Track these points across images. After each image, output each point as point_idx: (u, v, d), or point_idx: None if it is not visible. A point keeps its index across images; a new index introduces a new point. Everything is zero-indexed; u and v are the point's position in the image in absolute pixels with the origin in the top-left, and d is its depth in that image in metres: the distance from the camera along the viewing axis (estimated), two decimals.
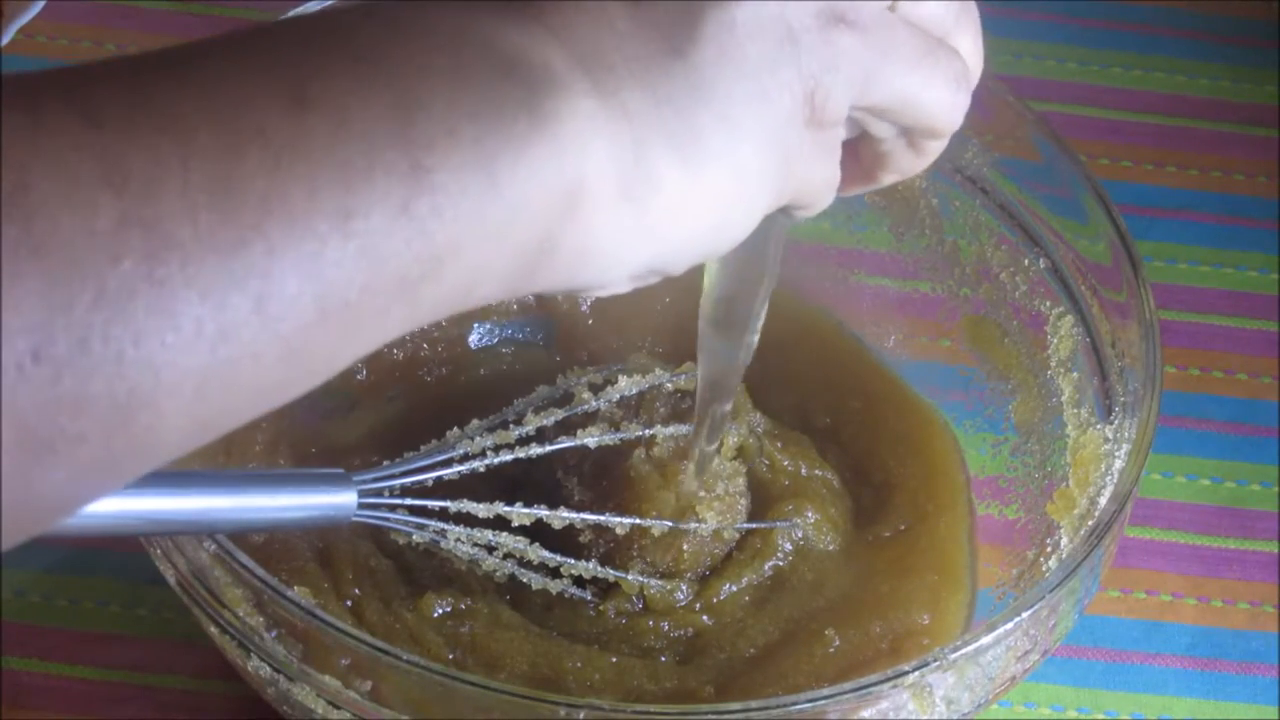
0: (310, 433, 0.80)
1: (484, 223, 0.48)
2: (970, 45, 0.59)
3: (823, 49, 0.53)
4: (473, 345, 0.85)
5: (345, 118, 0.46)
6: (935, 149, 0.60)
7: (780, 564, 0.77)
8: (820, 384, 0.84)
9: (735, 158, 0.52)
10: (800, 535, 0.78)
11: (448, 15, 0.49)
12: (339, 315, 0.46)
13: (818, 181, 0.56)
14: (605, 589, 0.75)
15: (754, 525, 0.77)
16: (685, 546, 0.75)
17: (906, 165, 0.61)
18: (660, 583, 0.75)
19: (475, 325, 0.85)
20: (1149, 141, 1.01)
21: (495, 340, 0.86)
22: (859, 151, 0.60)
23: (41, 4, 1.02)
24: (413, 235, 0.46)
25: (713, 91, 0.51)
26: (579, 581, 0.75)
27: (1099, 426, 0.75)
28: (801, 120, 0.54)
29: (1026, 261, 0.81)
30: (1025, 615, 0.66)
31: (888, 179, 0.61)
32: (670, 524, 0.74)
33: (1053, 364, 0.79)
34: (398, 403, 0.82)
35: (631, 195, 0.50)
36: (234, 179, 0.44)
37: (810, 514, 0.78)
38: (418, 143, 0.46)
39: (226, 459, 0.78)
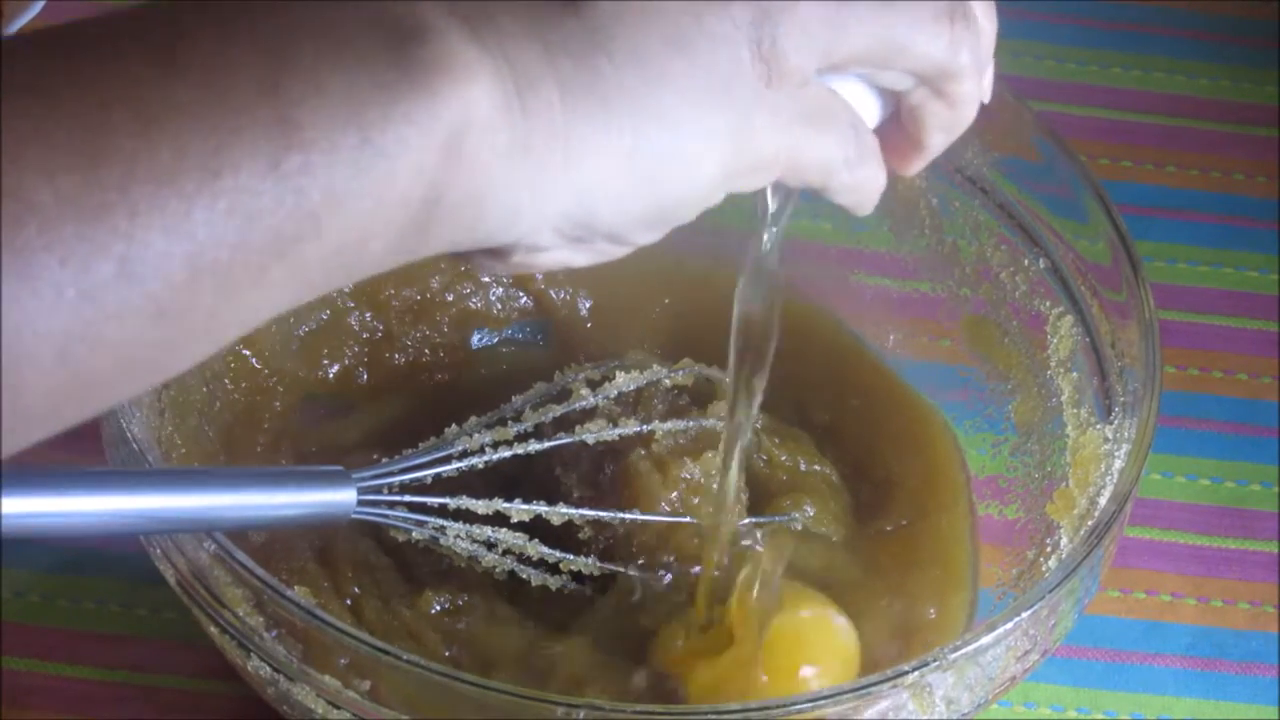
0: (310, 432, 0.80)
1: (361, 177, 0.47)
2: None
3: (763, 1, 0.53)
4: (473, 346, 0.85)
5: (214, 77, 0.46)
6: (965, 94, 0.59)
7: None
8: (819, 382, 0.84)
9: (655, 107, 0.51)
10: (800, 529, 0.78)
11: None
12: (212, 275, 0.46)
13: (814, 152, 0.56)
14: (604, 585, 0.75)
15: (753, 520, 0.77)
16: (684, 543, 0.75)
17: (945, 119, 0.60)
18: (659, 575, 0.75)
19: (476, 330, 0.85)
20: (1149, 141, 1.01)
21: (495, 341, 0.86)
22: (900, 117, 0.60)
23: (41, 4, 1.02)
24: (285, 192, 0.46)
25: (614, 41, 0.51)
26: (578, 577, 0.75)
27: (1099, 426, 0.75)
28: (755, 77, 0.53)
29: (1026, 261, 0.81)
30: (1025, 615, 0.66)
31: (935, 139, 0.60)
32: (669, 519, 0.74)
33: (1052, 364, 0.79)
34: (398, 402, 0.82)
35: (527, 144, 0.50)
36: (99, 142, 0.44)
37: (809, 507, 0.78)
38: (287, 99, 0.46)
39: (227, 458, 0.78)
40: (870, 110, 0.59)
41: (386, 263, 0.51)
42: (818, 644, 0.73)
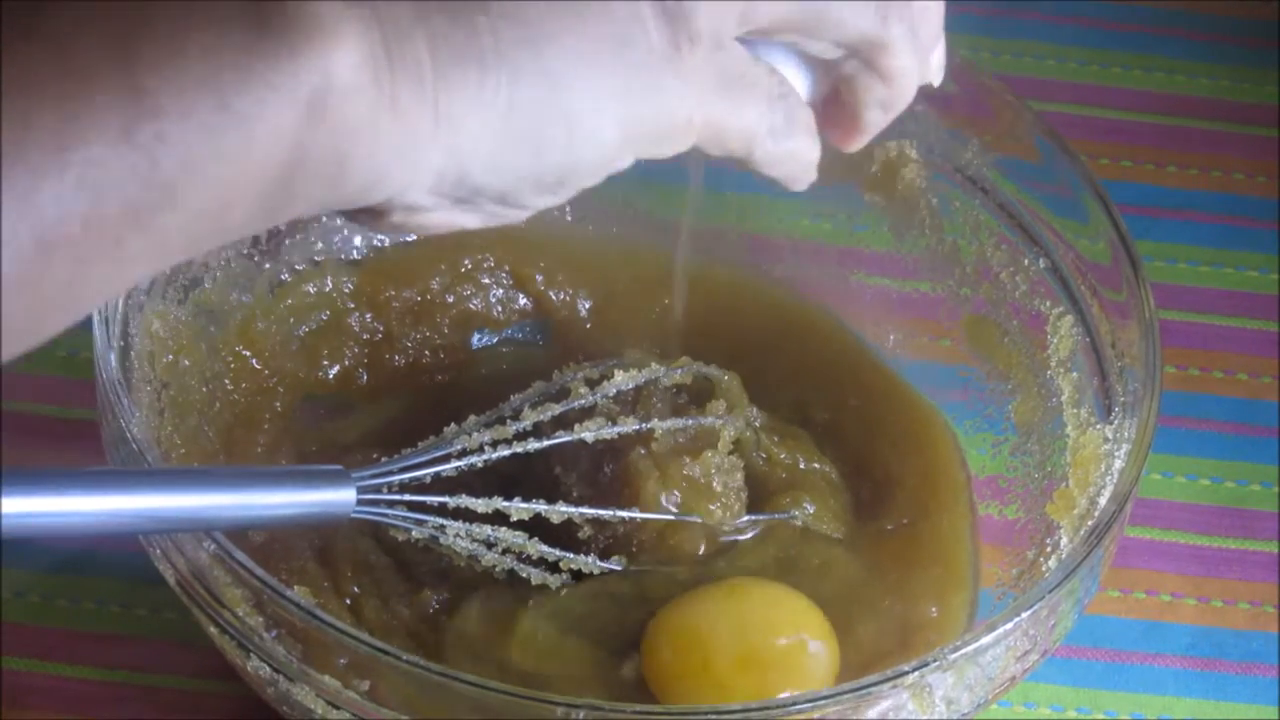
0: (310, 432, 0.80)
1: (218, 142, 0.47)
2: None
3: None
4: (473, 346, 0.85)
5: (67, 46, 0.45)
6: (900, 69, 0.58)
7: (782, 555, 0.77)
8: (819, 381, 0.84)
9: (536, 66, 0.51)
10: (800, 525, 0.78)
11: None
12: (64, 249, 0.45)
13: (733, 120, 0.55)
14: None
15: (753, 518, 0.77)
16: (684, 541, 0.75)
17: (881, 95, 0.59)
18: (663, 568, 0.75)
19: (476, 331, 0.85)
20: (1149, 141, 1.01)
21: (494, 341, 0.86)
22: (840, 92, 0.59)
23: None
24: (137, 162, 0.46)
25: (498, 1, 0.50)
26: (578, 576, 0.75)
27: (1099, 426, 0.75)
28: (660, 39, 0.52)
29: (1026, 261, 0.81)
30: (1025, 615, 0.66)
31: (871, 116, 0.59)
32: (669, 517, 0.74)
33: (1053, 364, 0.79)
34: (397, 402, 0.83)
35: (394, 103, 0.49)
36: None
37: (809, 505, 0.78)
38: (141, 66, 0.46)
39: (227, 458, 0.78)
40: (800, 81, 0.58)
41: (252, 226, 0.50)
42: (793, 673, 0.72)
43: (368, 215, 0.53)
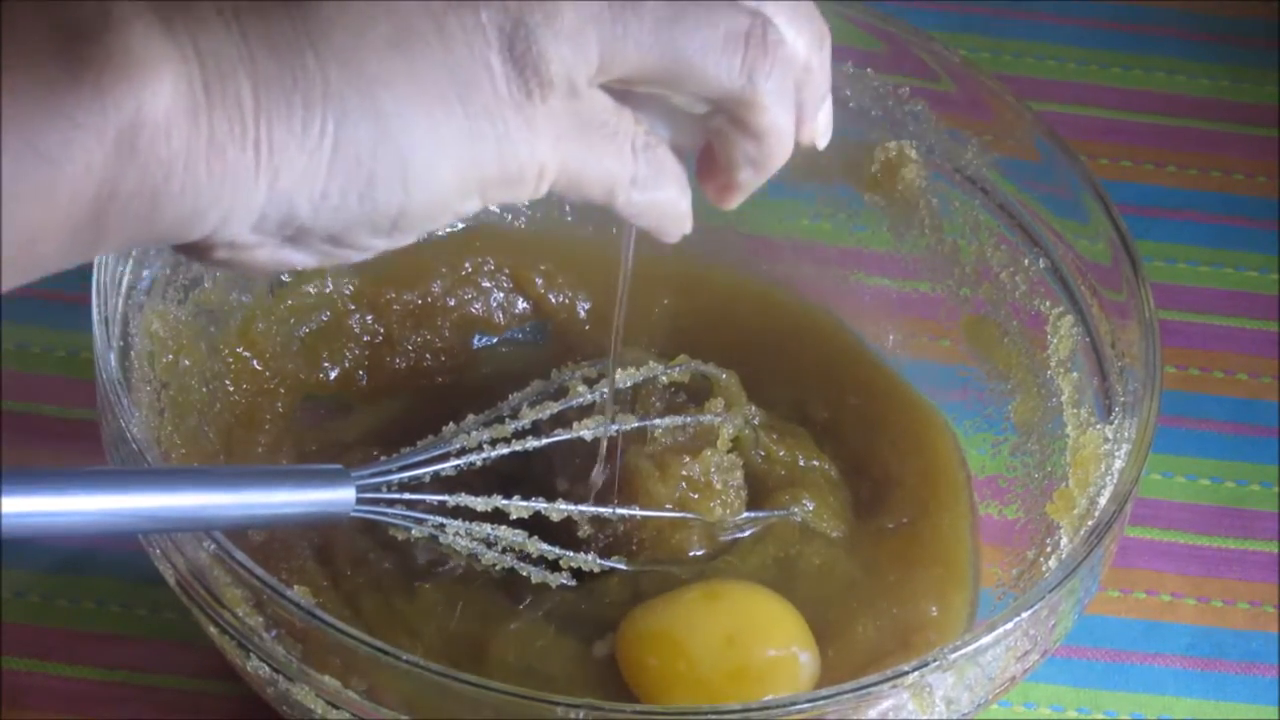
0: (310, 431, 0.80)
1: (24, 181, 0.47)
2: (787, 16, 0.56)
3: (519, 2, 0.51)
4: (473, 346, 0.85)
5: None
6: (768, 127, 0.57)
7: (783, 554, 0.77)
8: (818, 380, 0.84)
9: (367, 108, 0.50)
10: (799, 522, 0.78)
11: None
12: None
13: (591, 169, 0.54)
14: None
15: (753, 515, 0.77)
16: (683, 539, 0.75)
17: (751, 153, 0.57)
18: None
19: (476, 333, 0.85)
20: (1149, 141, 1.01)
21: (494, 341, 0.86)
22: (712, 147, 0.58)
23: None
24: None
25: (326, 37, 0.50)
26: (578, 574, 0.75)
27: (1099, 426, 0.75)
28: (508, 84, 0.51)
29: (1026, 261, 0.81)
30: (1025, 615, 0.66)
31: (742, 174, 0.58)
32: (668, 514, 0.74)
33: (1053, 364, 0.79)
34: (397, 402, 0.83)
35: (211, 141, 0.49)
36: None
37: (808, 502, 0.78)
38: None
39: (228, 458, 0.78)
40: (674, 132, 0.57)
41: (63, 261, 0.49)
42: (770, 679, 0.72)
43: (193, 250, 0.52)
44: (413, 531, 0.73)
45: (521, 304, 0.86)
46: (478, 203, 0.53)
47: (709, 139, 0.58)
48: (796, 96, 0.57)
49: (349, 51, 0.50)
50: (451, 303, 0.84)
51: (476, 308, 0.85)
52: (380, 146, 0.51)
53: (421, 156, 0.51)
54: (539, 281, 0.86)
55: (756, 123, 0.57)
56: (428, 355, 0.84)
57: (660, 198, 0.56)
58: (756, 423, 0.79)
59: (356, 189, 0.51)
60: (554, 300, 0.86)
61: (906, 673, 0.64)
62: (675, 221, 0.58)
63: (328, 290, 0.82)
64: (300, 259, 0.53)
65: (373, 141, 0.50)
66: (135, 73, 0.48)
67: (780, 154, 0.58)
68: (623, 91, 0.55)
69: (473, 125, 0.51)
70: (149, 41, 0.48)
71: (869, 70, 0.83)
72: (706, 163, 0.58)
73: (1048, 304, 0.79)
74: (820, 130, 0.60)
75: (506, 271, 0.85)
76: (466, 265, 0.85)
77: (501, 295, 0.86)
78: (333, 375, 0.82)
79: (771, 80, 0.56)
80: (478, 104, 0.51)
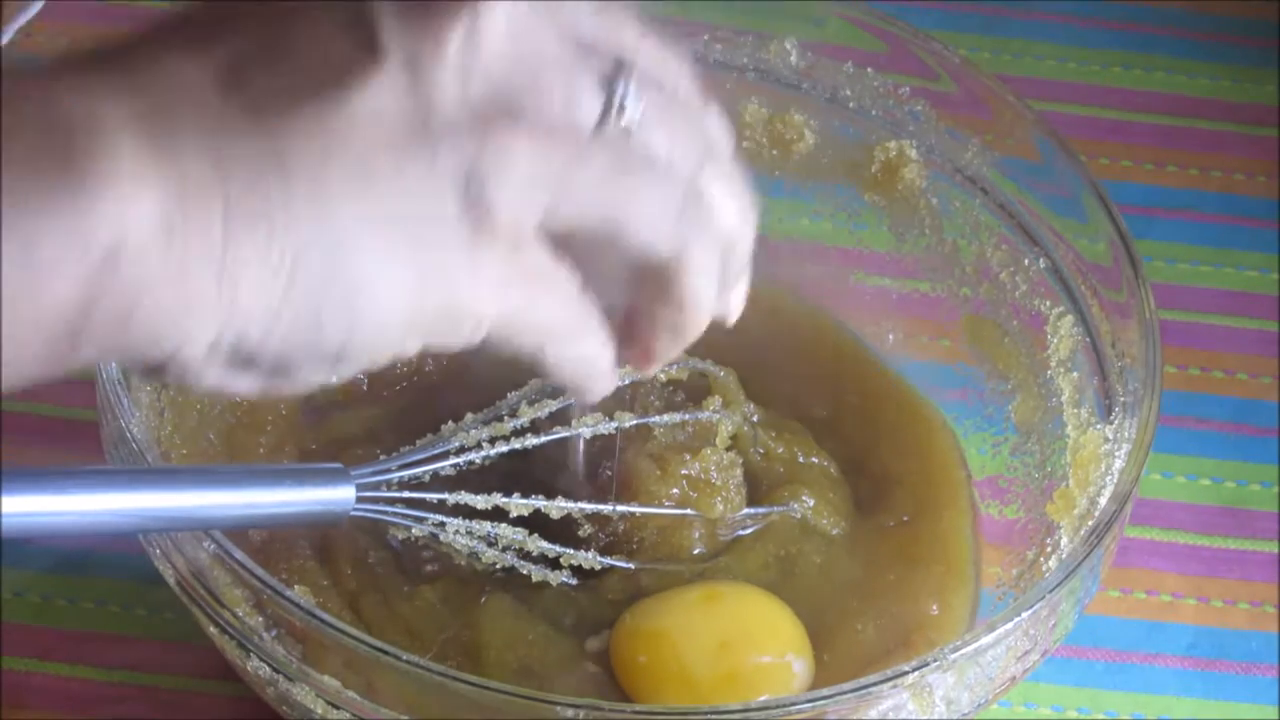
0: (311, 430, 0.80)
1: (16, 279, 0.47)
2: (720, 190, 0.57)
3: (479, 147, 0.51)
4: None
5: None
6: (689, 297, 0.57)
7: (783, 552, 0.77)
8: (818, 380, 0.84)
9: (326, 241, 0.50)
10: (799, 518, 0.78)
11: (27, 77, 0.48)
12: None
13: (526, 318, 0.54)
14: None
15: (752, 512, 0.77)
16: (684, 537, 0.75)
17: (670, 319, 0.58)
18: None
19: None
20: (1149, 141, 1.01)
21: None
22: (636, 311, 0.58)
23: (41, 4, 1.02)
24: None
25: (294, 165, 0.50)
26: (579, 573, 0.75)
27: (1099, 426, 0.75)
28: (461, 228, 0.52)
29: (1026, 261, 0.81)
30: (1025, 615, 0.66)
31: (661, 341, 0.59)
32: (668, 510, 0.74)
33: (1053, 364, 0.79)
34: (398, 401, 0.82)
35: (182, 263, 0.49)
36: None
37: (808, 498, 0.78)
38: None
39: (230, 459, 0.78)
40: (600, 291, 0.57)
41: (34, 371, 0.49)
42: (764, 683, 0.72)
43: (145, 370, 0.52)
44: (413, 530, 0.73)
45: None
46: (417, 345, 0.53)
47: (632, 302, 0.58)
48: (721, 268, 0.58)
49: (312, 184, 0.50)
50: None
51: None
52: (332, 281, 0.51)
53: (370, 294, 0.51)
54: None
55: (682, 290, 0.57)
56: (429, 358, 0.84)
57: (588, 354, 0.57)
58: (755, 420, 0.79)
59: (307, 321, 0.51)
60: None
61: (906, 673, 0.64)
62: (598, 378, 0.58)
63: None
64: (244, 385, 0.53)
65: (325, 276, 0.50)
66: (126, 190, 0.48)
67: (698, 325, 0.59)
68: (558, 245, 0.55)
69: (422, 268, 0.52)
70: (137, 157, 0.48)
71: (869, 70, 0.83)
72: (627, 328, 0.59)
73: (1048, 304, 0.80)
74: (734, 305, 0.61)
75: None
76: None
77: None
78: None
79: (706, 251, 0.57)
80: (429, 247, 0.52)
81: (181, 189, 0.49)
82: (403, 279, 0.51)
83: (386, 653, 0.63)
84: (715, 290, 0.58)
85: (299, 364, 0.52)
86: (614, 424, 0.75)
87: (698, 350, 0.79)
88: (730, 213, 0.58)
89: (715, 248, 0.57)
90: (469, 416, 0.75)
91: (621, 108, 0.54)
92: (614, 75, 0.54)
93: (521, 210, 0.52)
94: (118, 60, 0.50)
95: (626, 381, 0.77)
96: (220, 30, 0.51)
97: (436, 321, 0.53)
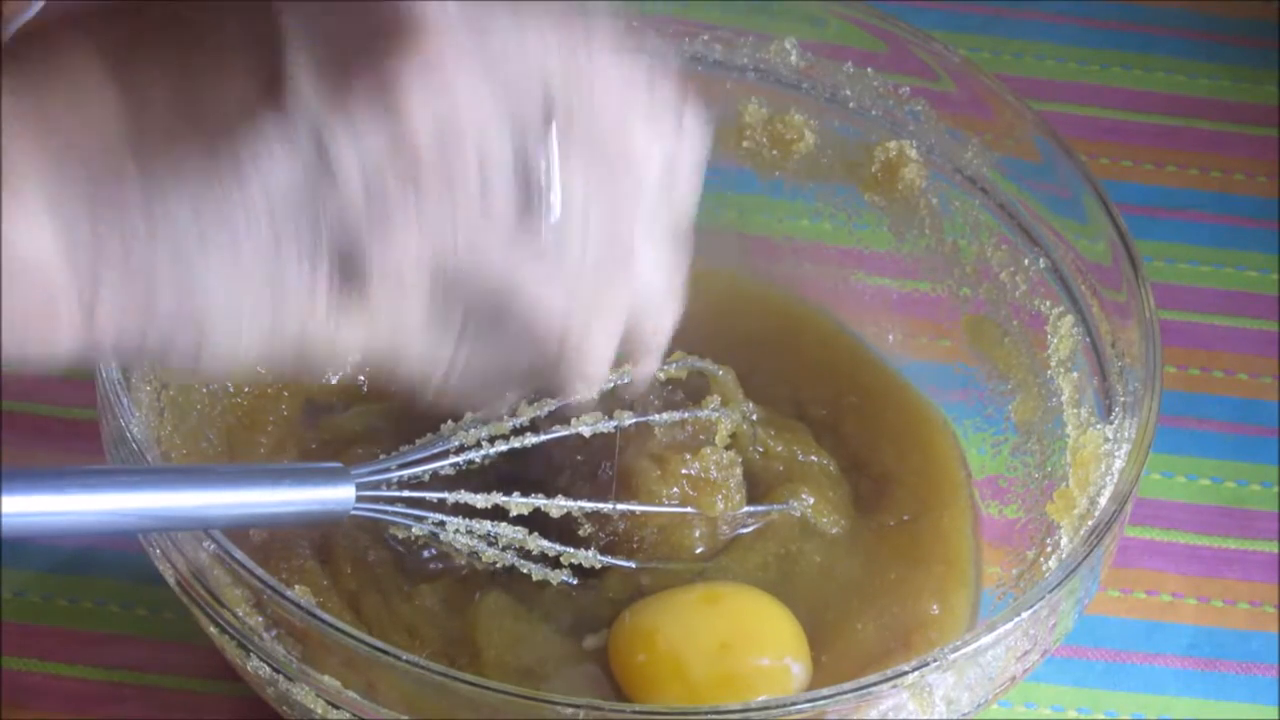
0: (311, 430, 0.80)
1: None
2: (646, 255, 0.57)
3: (368, 233, 0.52)
4: None
5: None
6: (573, 375, 0.58)
7: (784, 551, 0.77)
8: (818, 380, 0.84)
9: (181, 284, 0.51)
10: (799, 516, 0.78)
11: None
12: None
13: (400, 362, 0.55)
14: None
15: (752, 510, 0.77)
16: (684, 537, 0.75)
17: (564, 377, 0.58)
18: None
19: None
20: (1149, 141, 1.01)
21: None
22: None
23: (41, 3, 1.02)
24: None
25: (160, 212, 0.51)
26: (579, 572, 0.75)
27: (1099, 426, 0.75)
28: (325, 294, 0.52)
29: (1026, 261, 0.81)
30: (1025, 615, 0.66)
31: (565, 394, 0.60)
32: (668, 508, 0.74)
33: (1053, 364, 0.79)
34: (398, 401, 0.82)
35: (61, 288, 0.51)
36: None
37: (807, 496, 0.78)
38: None
39: (230, 459, 0.78)
40: (495, 346, 0.57)
41: None
42: (761, 684, 0.73)
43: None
44: (413, 529, 0.73)
45: None
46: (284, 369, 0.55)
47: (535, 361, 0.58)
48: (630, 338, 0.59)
49: (178, 242, 0.51)
50: None
51: None
52: (185, 313, 0.52)
53: (224, 331, 0.53)
54: None
55: (568, 370, 0.57)
56: None
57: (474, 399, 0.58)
58: (755, 419, 0.79)
59: (188, 342, 0.53)
60: None
61: (906, 673, 0.64)
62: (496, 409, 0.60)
63: None
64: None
65: (174, 310, 0.52)
66: (34, 219, 0.50)
67: (591, 390, 0.59)
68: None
69: (277, 322, 0.53)
70: (38, 196, 0.50)
71: (869, 70, 0.83)
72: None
73: (1048, 304, 0.79)
74: (640, 376, 0.63)
75: None
76: None
77: None
78: (334, 379, 0.82)
79: (600, 331, 0.57)
80: (290, 306, 0.53)
81: (68, 227, 0.50)
82: (258, 316, 0.53)
83: (386, 653, 0.63)
84: (609, 364, 0.58)
85: (196, 368, 0.54)
86: (614, 423, 0.75)
87: (697, 349, 0.79)
88: (651, 283, 0.58)
89: (617, 325, 0.57)
90: (468, 416, 0.75)
91: (539, 201, 0.53)
92: (535, 149, 0.53)
93: (396, 292, 0.53)
94: (33, 85, 0.52)
95: (625, 380, 0.76)
96: (135, 52, 0.53)
97: (293, 363, 0.54)
